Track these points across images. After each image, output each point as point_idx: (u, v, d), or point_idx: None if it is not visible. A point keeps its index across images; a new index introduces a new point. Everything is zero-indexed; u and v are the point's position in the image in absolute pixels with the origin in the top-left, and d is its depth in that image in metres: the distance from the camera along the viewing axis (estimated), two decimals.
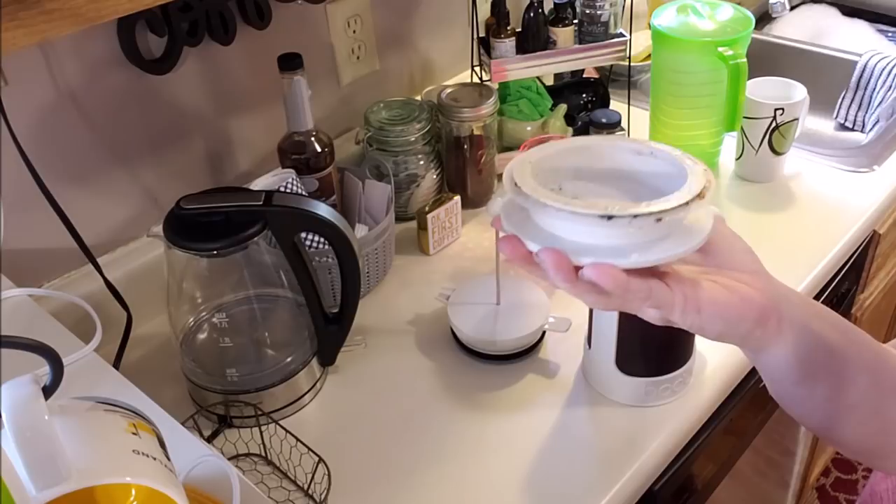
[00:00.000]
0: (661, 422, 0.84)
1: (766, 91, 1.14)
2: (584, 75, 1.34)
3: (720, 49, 1.07)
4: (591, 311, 0.84)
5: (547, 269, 0.46)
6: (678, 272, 0.49)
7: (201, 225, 0.77)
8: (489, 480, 0.79)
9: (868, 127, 1.46)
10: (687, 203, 0.46)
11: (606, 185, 0.53)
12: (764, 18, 1.73)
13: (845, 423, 0.56)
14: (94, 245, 0.87)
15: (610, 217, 0.44)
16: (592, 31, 1.15)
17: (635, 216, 0.44)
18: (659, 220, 0.45)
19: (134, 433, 0.48)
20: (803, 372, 0.53)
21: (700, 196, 0.46)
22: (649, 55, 1.25)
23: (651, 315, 0.50)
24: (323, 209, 0.80)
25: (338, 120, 1.20)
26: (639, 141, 0.54)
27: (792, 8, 1.74)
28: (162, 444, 0.51)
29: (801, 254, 1.05)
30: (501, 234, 0.50)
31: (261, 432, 0.83)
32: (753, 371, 0.96)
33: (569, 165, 0.53)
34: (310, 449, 0.79)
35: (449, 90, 1.12)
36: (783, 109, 1.11)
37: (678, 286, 0.48)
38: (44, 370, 0.45)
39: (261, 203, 0.78)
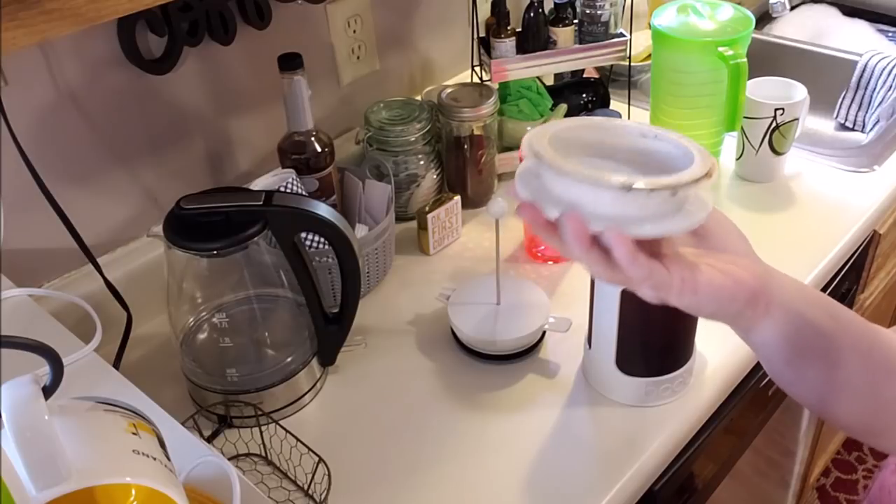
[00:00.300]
0: (661, 422, 0.84)
1: (767, 91, 1.14)
2: (585, 75, 1.34)
3: (720, 49, 1.07)
4: (591, 312, 0.85)
5: (565, 233, 0.49)
6: (677, 255, 0.52)
7: (201, 225, 0.77)
8: (489, 480, 0.79)
9: (868, 127, 1.46)
10: (698, 179, 0.49)
11: (616, 161, 0.55)
12: (764, 18, 1.72)
13: (839, 402, 0.58)
14: (94, 245, 0.87)
15: (629, 188, 0.47)
16: (592, 31, 1.15)
17: (653, 189, 0.48)
18: (674, 193, 0.48)
19: (134, 433, 0.48)
20: (792, 352, 0.56)
21: (708, 175, 0.50)
22: (649, 55, 1.25)
23: (648, 294, 0.52)
24: (323, 209, 0.80)
25: (338, 120, 1.20)
26: (644, 125, 0.56)
27: (792, 8, 1.74)
28: (162, 444, 0.51)
29: (801, 254, 1.05)
30: (519, 201, 0.52)
31: (261, 432, 0.83)
32: (753, 371, 0.96)
33: (582, 141, 0.55)
34: (310, 449, 0.79)
35: (449, 90, 1.12)
36: (783, 109, 1.11)
37: (677, 269, 0.51)
38: (44, 370, 0.45)
39: (261, 203, 0.78)
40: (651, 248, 0.50)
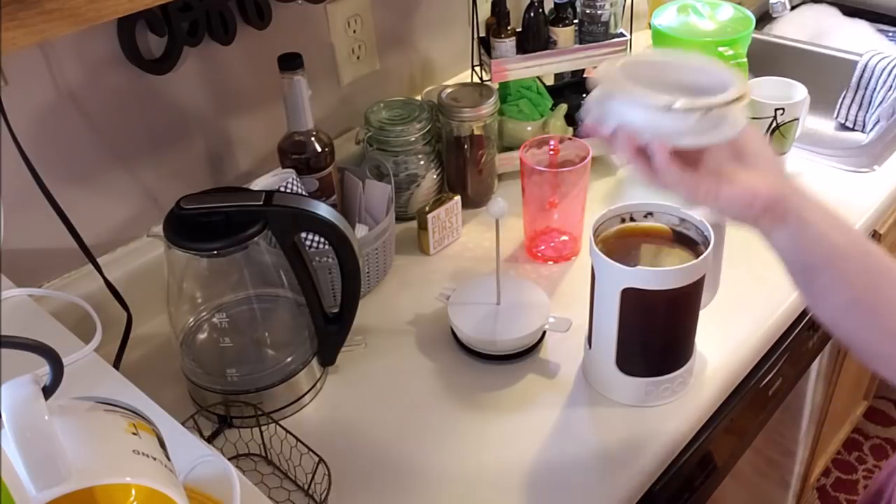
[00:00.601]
0: (661, 422, 0.84)
1: (767, 91, 1.14)
2: (585, 75, 1.34)
3: (720, 49, 1.07)
4: (591, 312, 0.84)
5: (617, 142, 0.63)
6: (712, 167, 0.64)
7: (201, 225, 0.77)
8: (489, 480, 0.79)
9: (868, 127, 1.46)
10: (727, 102, 0.61)
11: (671, 89, 0.65)
12: (764, 18, 1.72)
13: (847, 323, 0.65)
14: (94, 245, 0.87)
15: (671, 107, 0.60)
16: (593, 31, 1.15)
17: (688, 108, 0.60)
18: (705, 112, 0.60)
19: (134, 433, 0.48)
20: (804, 260, 0.64)
21: (739, 100, 0.61)
22: None
23: (682, 198, 0.64)
24: (323, 209, 0.80)
25: (338, 120, 1.20)
26: (695, 58, 0.69)
27: (792, 8, 1.74)
28: (162, 444, 0.51)
29: None
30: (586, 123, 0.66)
31: (261, 432, 0.83)
32: (753, 371, 0.96)
33: (646, 74, 0.66)
34: (310, 449, 0.79)
35: (449, 90, 1.12)
36: (784, 109, 1.11)
37: (705, 178, 0.63)
38: (44, 370, 0.45)
39: (261, 203, 0.78)
40: (695, 158, 0.63)
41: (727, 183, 0.63)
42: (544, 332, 0.94)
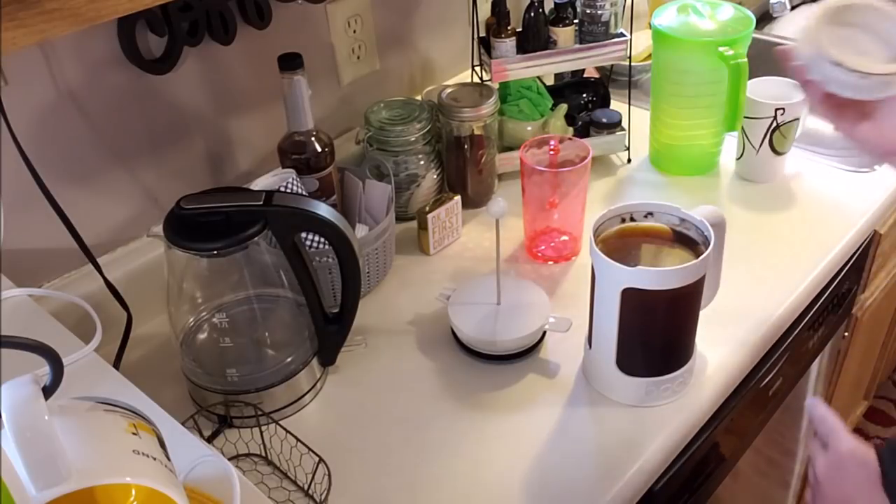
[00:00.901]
0: (661, 422, 0.84)
1: (767, 91, 1.14)
2: (585, 75, 1.34)
3: (721, 49, 1.07)
4: (591, 312, 0.84)
5: (798, 74, 0.78)
6: (859, 107, 0.76)
7: (201, 225, 0.77)
8: (489, 480, 0.79)
9: None
10: (883, 73, 0.72)
11: (871, 39, 0.76)
12: (765, 18, 1.72)
13: None
14: (94, 245, 0.87)
15: (838, 64, 0.72)
16: (593, 31, 1.15)
17: (850, 69, 0.72)
18: (863, 77, 0.72)
19: (134, 433, 0.48)
20: None
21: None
22: (650, 55, 1.25)
23: (829, 122, 0.79)
24: (323, 209, 0.80)
25: (338, 120, 1.20)
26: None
27: (792, 8, 1.74)
28: (162, 444, 0.51)
29: (802, 253, 1.05)
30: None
31: (261, 432, 0.83)
32: (753, 371, 0.96)
33: (854, 21, 0.77)
34: (310, 449, 0.79)
35: (449, 90, 1.12)
36: (784, 109, 1.11)
37: (851, 116, 0.76)
38: (44, 370, 0.45)
39: (261, 203, 0.78)
40: (860, 106, 0.75)
41: (867, 124, 0.76)
42: (544, 332, 0.94)
